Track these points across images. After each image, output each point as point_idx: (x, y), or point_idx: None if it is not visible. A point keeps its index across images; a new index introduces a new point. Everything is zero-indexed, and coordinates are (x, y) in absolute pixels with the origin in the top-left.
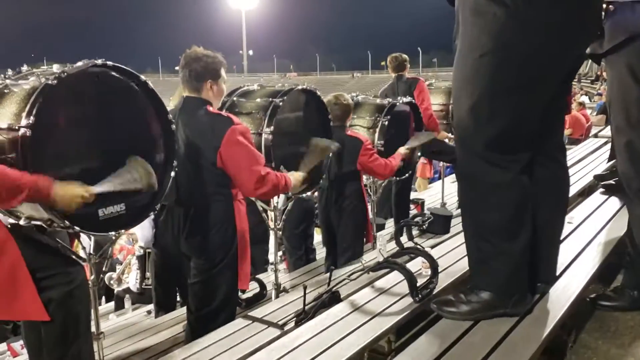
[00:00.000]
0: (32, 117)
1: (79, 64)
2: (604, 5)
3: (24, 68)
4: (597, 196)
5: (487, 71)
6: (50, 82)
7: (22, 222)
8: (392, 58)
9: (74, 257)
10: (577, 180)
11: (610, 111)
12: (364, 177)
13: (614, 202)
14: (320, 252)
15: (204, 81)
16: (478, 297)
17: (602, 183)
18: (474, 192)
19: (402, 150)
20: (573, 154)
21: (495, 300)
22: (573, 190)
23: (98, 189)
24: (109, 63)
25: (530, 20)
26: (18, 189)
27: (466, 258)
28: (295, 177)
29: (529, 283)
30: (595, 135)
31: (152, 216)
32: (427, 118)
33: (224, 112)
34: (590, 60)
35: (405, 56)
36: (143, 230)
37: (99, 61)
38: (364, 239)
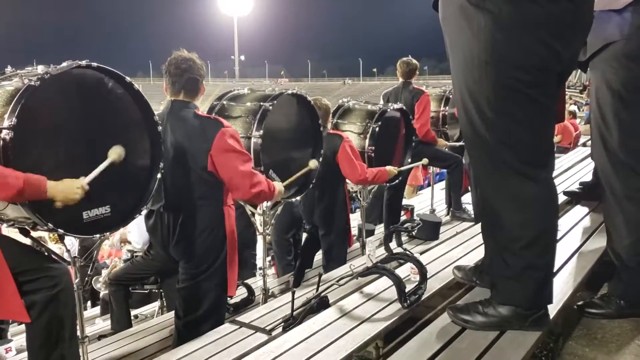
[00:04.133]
0: (14, 119)
1: (63, 65)
2: None
3: (8, 69)
4: (584, 204)
5: (493, 80)
6: (33, 83)
7: (5, 225)
8: (403, 63)
9: (58, 259)
10: (565, 188)
11: (592, 118)
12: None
13: (602, 210)
14: None
15: (201, 87)
16: (495, 311)
17: (565, 191)
18: (502, 206)
19: (390, 167)
20: (561, 162)
21: (514, 316)
22: (560, 199)
23: (88, 179)
24: (94, 64)
25: (514, 21)
26: (15, 179)
27: (454, 264)
28: (279, 187)
29: (549, 299)
30: (584, 145)
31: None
32: (424, 133)
33: (212, 115)
34: (579, 71)
35: (416, 62)
36: (141, 233)
37: (83, 62)
38: (345, 242)
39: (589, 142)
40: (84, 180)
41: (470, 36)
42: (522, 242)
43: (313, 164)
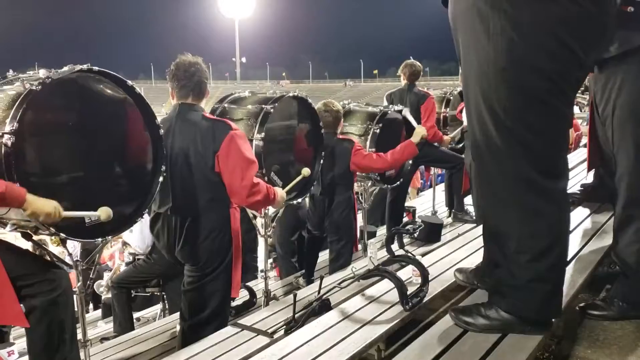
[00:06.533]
0: (15, 123)
1: (64, 69)
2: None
3: (10, 73)
4: (586, 206)
5: (510, 86)
6: (34, 87)
7: (8, 229)
8: (407, 65)
9: (59, 263)
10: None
11: (613, 118)
12: (355, 185)
13: (603, 212)
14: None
15: (206, 89)
16: (498, 315)
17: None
18: (512, 215)
19: (418, 130)
20: None
21: (516, 322)
22: None
23: (66, 213)
24: (95, 68)
25: (533, 23)
26: None
27: (456, 266)
28: (281, 194)
29: (557, 313)
30: (585, 145)
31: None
32: (433, 134)
33: (221, 118)
34: None
35: (420, 65)
36: (143, 237)
37: (85, 66)
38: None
39: None
40: (63, 212)
41: (484, 39)
42: (531, 254)
43: (306, 172)
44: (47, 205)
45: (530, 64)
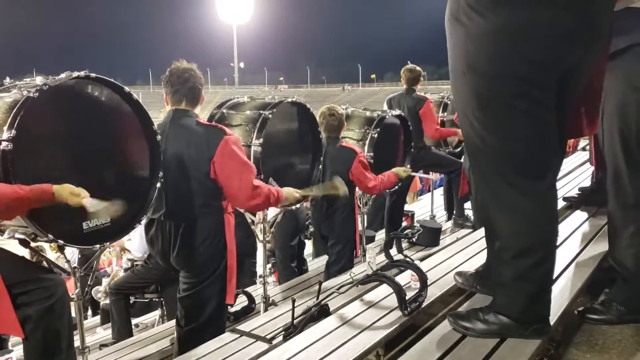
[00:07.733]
0: (13, 130)
1: (62, 76)
2: None
3: (7, 80)
4: (584, 210)
5: (472, 90)
6: (31, 94)
7: (5, 236)
8: (407, 70)
9: (55, 270)
10: (565, 193)
11: (603, 120)
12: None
13: (601, 215)
14: (312, 263)
15: (200, 95)
16: (496, 319)
17: (564, 196)
18: (496, 215)
19: (397, 169)
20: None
21: (514, 324)
22: (560, 204)
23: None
24: (92, 75)
25: (483, 33)
26: (20, 201)
27: (455, 271)
28: (289, 191)
29: (545, 312)
30: (584, 149)
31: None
32: (439, 135)
33: (214, 123)
34: None
35: (420, 70)
36: (141, 242)
37: (82, 73)
38: (353, 252)
39: (589, 145)
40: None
41: (452, 46)
42: (513, 252)
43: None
44: (72, 192)
45: (484, 71)
